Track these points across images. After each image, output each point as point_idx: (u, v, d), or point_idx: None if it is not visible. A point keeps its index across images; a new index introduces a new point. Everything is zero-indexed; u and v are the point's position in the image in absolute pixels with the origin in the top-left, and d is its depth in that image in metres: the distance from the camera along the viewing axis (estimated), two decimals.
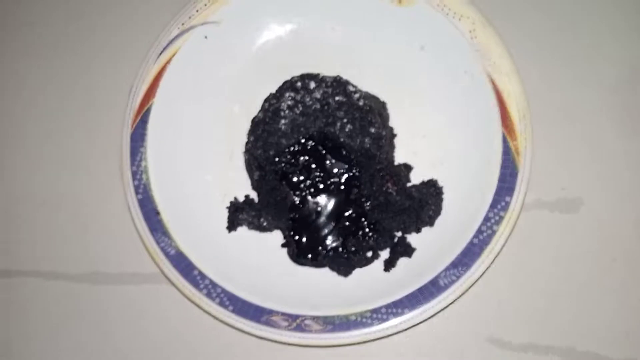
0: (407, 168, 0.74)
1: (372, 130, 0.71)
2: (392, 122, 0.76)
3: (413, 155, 0.75)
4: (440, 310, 0.66)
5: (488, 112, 0.71)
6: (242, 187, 0.76)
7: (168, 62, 0.75)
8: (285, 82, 0.74)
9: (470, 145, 0.72)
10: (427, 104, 0.76)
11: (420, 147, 0.75)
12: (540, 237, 0.73)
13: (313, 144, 0.72)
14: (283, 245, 0.74)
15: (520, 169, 0.67)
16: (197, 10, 0.76)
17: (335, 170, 0.72)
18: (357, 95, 0.73)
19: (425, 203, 0.70)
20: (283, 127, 0.72)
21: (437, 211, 0.71)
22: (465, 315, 0.72)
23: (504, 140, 0.69)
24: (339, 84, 0.73)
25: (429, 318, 0.66)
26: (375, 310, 0.67)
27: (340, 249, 0.72)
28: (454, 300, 0.66)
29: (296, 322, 0.67)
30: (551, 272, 0.72)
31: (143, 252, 0.73)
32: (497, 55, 0.70)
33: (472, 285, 0.67)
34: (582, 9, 0.79)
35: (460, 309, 0.71)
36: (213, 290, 0.69)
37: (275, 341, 0.68)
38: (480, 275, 0.66)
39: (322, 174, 0.72)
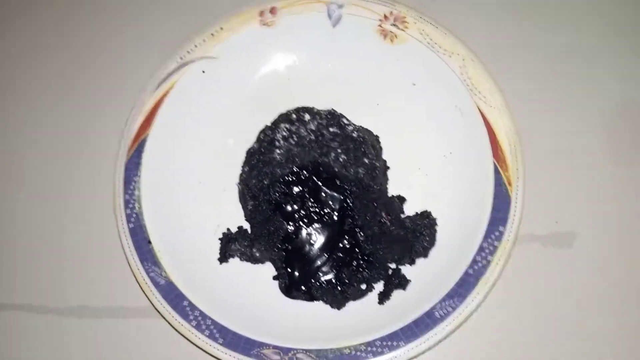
0: (401, 200, 0.74)
1: (366, 160, 0.72)
2: (386, 155, 0.77)
3: (407, 187, 0.75)
4: (436, 344, 0.65)
5: (479, 145, 0.72)
6: (236, 219, 0.75)
7: (166, 94, 0.77)
8: (280, 115, 0.75)
9: (463, 177, 0.73)
10: (420, 137, 0.77)
11: (414, 180, 0.75)
12: (534, 272, 0.72)
13: (307, 174, 0.72)
14: (275, 278, 0.73)
15: (512, 199, 0.68)
16: (195, 46, 0.78)
17: (329, 201, 0.72)
18: (350, 128, 0.74)
19: (419, 233, 0.70)
20: (278, 157, 0.72)
21: (431, 242, 0.70)
22: (460, 352, 0.70)
23: (496, 171, 0.69)
24: (333, 117, 0.74)
25: (425, 351, 0.65)
26: (369, 344, 0.65)
27: (334, 281, 0.71)
28: (450, 333, 0.65)
29: (288, 356, 0.65)
30: (546, 308, 0.71)
31: (133, 285, 0.72)
32: (487, 90, 0.72)
33: (468, 317, 0.65)
34: (571, 44, 0.81)
35: (455, 346, 0.69)
36: (203, 322, 0.67)
37: None
38: (476, 307, 0.65)
39: (316, 205, 0.72)
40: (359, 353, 0.65)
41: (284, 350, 0.66)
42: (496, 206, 0.68)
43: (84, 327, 0.74)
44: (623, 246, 0.72)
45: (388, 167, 0.76)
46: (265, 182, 0.72)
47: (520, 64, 0.80)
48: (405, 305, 0.68)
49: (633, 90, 0.79)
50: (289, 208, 0.73)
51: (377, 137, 0.78)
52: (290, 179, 0.72)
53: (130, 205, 0.72)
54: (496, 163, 0.70)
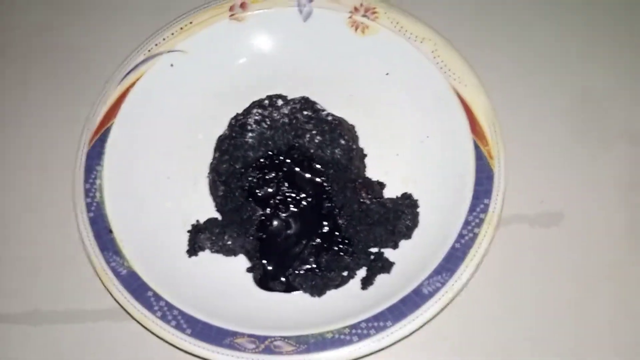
0: (381, 185, 0.71)
1: (342, 142, 0.69)
2: (362, 144, 0.74)
3: (384, 174, 0.72)
4: (425, 322, 0.59)
5: (457, 124, 0.70)
6: (206, 213, 0.71)
7: (132, 85, 0.74)
8: (253, 102, 0.73)
9: (442, 159, 0.71)
10: (396, 124, 0.75)
11: (392, 166, 0.72)
12: (522, 252, 0.69)
13: (281, 157, 0.69)
14: (249, 270, 0.67)
15: (495, 171, 0.65)
16: (164, 39, 0.76)
17: (305, 185, 0.69)
18: (324, 112, 0.72)
19: (401, 212, 0.66)
20: (250, 140, 0.69)
21: (414, 221, 0.67)
22: (448, 334, 0.64)
23: (476, 146, 0.68)
24: (307, 102, 0.72)
25: (415, 331, 0.59)
26: (354, 326, 0.59)
27: (313, 269, 0.66)
28: (440, 311, 0.60)
29: (264, 344, 0.59)
30: (535, 288, 0.67)
31: (94, 283, 0.65)
32: (461, 70, 0.72)
33: (458, 293, 0.61)
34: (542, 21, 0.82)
35: (443, 328, 0.64)
36: (169, 313, 0.61)
37: None
38: (466, 282, 0.61)
39: (291, 189, 0.69)
40: (342, 336, 0.59)
41: (260, 338, 0.59)
42: (479, 180, 0.66)
43: (41, 335, 0.66)
44: (610, 222, 0.70)
45: (365, 155, 0.74)
46: (237, 167, 0.69)
47: (492, 47, 0.81)
48: (391, 286, 0.63)
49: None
50: (262, 193, 0.69)
51: (352, 125, 0.75)
52: (264, 163, 0.69)
53: (91, 194, 0.67)
54: (475, 139, 0.68)
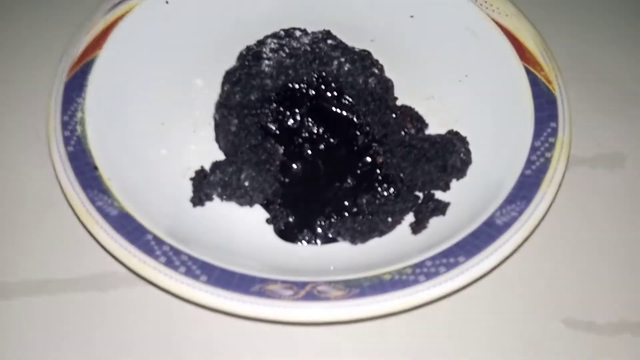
0: (422, 122, 0.60)
1: (375, 70, 0.59)
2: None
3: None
4: (504, 258, 0.47)
5: (502, 54, 0.62)
6: (209, 163, 0.58)
7: (120, 17, 0.62)
8: (265, 36, 0.62)
9: (488, 93, 0.62)
10: (427, 67, 0.66)
11: (428, 110, 0.62)
12: (587, 194, 0.59)
13: (306, 88, 0.58)
14: (270, 221, 0.54)
15: (557, 94, 0.57)
16: None
17: (334, 119, 0.58)
18: (350, 45, 0.62)
19: (452, 146, 0.56)
20: (267, 68, 0.58)
21: (469, 156, 0.56)
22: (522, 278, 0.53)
23: (528, 73, 0.59)
24: (330, 34, 0.62)
25: (493, 269, 0.47)
26: (418, 265, 0.47)
27: (353, 213, 0.54)
28: (521, 244, 0.48)
29: (305, 290, 0.45)
30: (602, 230, 0.57)
31: (76, 241, 0.51)
32: (498, 2, 0.64)
33: (538, 224, 0.49)
34: None
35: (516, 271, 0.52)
36: (176, 258, 0.46)
37: (275, 321, 0.44)
38: (546, 212, 0.50)
39: (318, 125, 0.57)
40: (405, 277, 0.46)
41: (299, 284, 0.45)
42: (539, 106, 0.57)
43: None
44: None
45: (396, 98, 0.64)
46: (253, 98, 0.57)
47: None
48: (449, 227, 0.51)
49: None
50: (283, 130, 0.57)
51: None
52: (285, 95, 0.58)
53: (70, 127, 0.54)
54: (527, 66, 0.60)
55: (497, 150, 0.57)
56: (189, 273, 0.45)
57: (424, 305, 0.45)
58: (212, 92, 0.63)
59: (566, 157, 0.53)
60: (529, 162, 0.53)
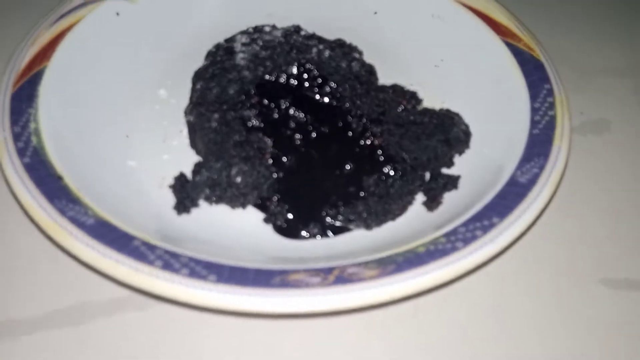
0: (416, 99, 0.57)
1: (356, 55, 0.56)
2: None
3: None
4: (539, 215, 0.44)
5: (476, 34, 0.61)
6: (185, 168, 0.51)
7: (68, 29, 0.56)
8: (235, 34, 0.58)
9: (469, 72, 0.60)
10: (401, 59, 0.64)
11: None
12: (589, 157, 0.58)
13: (286, 77, 0.54)
14: (268, 220, 0.48)
15: (543, 60, 0.56)
16: None
17: (322, 106, 0.53)
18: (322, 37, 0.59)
19: (450, 119, 0.53)
20: (242, 61, 0.54)
21: (468, 128, 0.53)
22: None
23: (508, 44, 0.58)
24: (299, 28, 0.59)
25: (529, 227, 0.43)
26: (451, 233, 0.42)
27: (362, 197, 0.48)
28: (550, 199, 0.45)
29: (334, 275, 0.39)
30: (616, 190, 0.55)
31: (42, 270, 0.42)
32: None
33: (562, 176, 0.46)
34: None
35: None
36: (175, 261, 0.39)
37: (305, 315, 0.37)
38: (566, 163, 0.47)
39: (305, 113, 0.53)
40: (440, 246, 0.40)
41: (325, 270, 0.39)
42: (527, 72, 0.55)
43: None
44: None
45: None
46: (231, 92, 0.52)
47: None
48: (466, 196, 0.47)
49: None
50: (269, 121, 0.52)
51: None
52: (266, 87, 0.53)
53: (24, 139, 0.46)
54: (505, 39, 0.59)
55: (494, 120, 0.54)
56: (193, 274, 0.38)
57: (466, 274, 0.40)
58: (178, 100, 0.58)
59: (568, 113, 0.51)
60: (533, 122, 0.50)
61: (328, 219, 0.47)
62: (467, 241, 0.41)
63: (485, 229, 0.41)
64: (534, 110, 0.52)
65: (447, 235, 0.41)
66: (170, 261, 0.38)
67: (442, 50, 0.63)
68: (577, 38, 0.71)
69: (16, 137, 0.45)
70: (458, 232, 0.42)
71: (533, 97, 0.53)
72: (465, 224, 0.42)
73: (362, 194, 0.49)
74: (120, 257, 0.38)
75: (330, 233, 0.47)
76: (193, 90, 0.53)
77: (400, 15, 0.66)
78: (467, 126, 0.53)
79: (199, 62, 0.59)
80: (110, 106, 0.55)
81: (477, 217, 0.43)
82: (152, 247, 0.39)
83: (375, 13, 0.68)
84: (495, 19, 0.61)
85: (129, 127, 0.55)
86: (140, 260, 0.38)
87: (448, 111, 0.55)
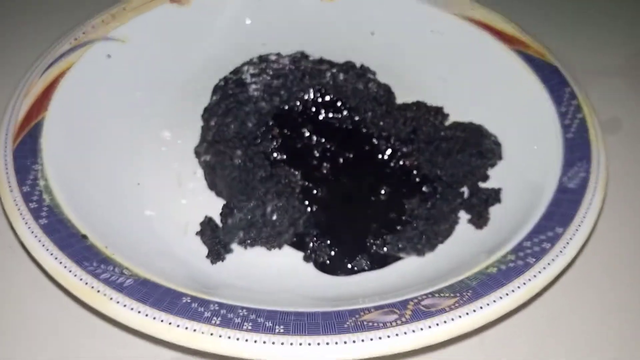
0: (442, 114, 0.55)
1: (371, 76, 0.54)
2: None
3: None
4: (597, 217, 0.42)
5: (483, 45, 0.60)
6: (208, 212, 0.48)
7: (60, 75, 0.52)
8: (240, 65, 0.55)
9: (481, 85, 0.59)
10: (407, 77, 0.62)
11: None
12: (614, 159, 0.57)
13: (304, 105, 0.51)
14: (308, 258, 0.44)
15: (556, 63, 0.55)
16: (92, 27, 0.57)
17: (346, 131, 0.51)
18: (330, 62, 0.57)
19: (478, 131, 0.51)
20: (256, 92, 0.51)
21: (497, 140, 0.52)
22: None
23: (518, 52, 0.57)
24: (305, 54, 0.57)
25: (593, 230, 0.41)
26: (517, 249, 0.39)
27: (405, 223, 0.46)
28: (604, 202, 0.43)
29: (409, 309, 0.35)
30: None
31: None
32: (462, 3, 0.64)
33: (608, 176, 0.45)
34: None
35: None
36: (232, 314, 0.35)
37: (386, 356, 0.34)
38: (607, 164, 0.46)
39: (329, 140, 0.50)
40: (512, 264, 0.38)
41: (398, 306, 0.36)
42: (545, 77, 0.54)
43: None
44: None
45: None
46: (250, 125, 0.49)
47: None
48: (511, 208, 0.46)
49: None
50: (293, 152, 0.49)
51: None
52: (284, 117, 0.50)
53: (35, 198, 0.41)
54: (513, 47, 0.58)
55: (519, 129, 0.53)
56: (257, 328, 0.34)
57: (547, 287, 0.38)
58: (185, 141, 0.54)
59: (595, 113, 0.50)
60: (565, 127, 0.49)
61: (374, 249, 0.44)
62: (537, 255, 0.38)
63: (552, 241, 0.39)
64: (561, 115, 0.51)
65: (514, 251, 0.39)
66: (228, 316, 0.34)
67: (447, 64, 0.62)
68: (575, 38, 0.71)
69: (27, 198, 0.41)
70: (524, 247, 0.39)
71: (557, 101, 0.52)
72: (529, 237, 0.40)
73: (404, 218, 0.46)
74: (172, 319, 0.34)
75: (379, 264, 0.44)
76: (206, 128, 0.50)
77: (398, 34, 0.65)
78: (495, 137, 0.51)
79: (199, 99, 0.56)
80: (115, 154, 0.51)
81: (539, 229, 0.41)
82: (204, 302, 0.35)
83: (373, 34, 0.66)
84: (499, 29, 0.60)
85: (139, 174, 0.51)
86: (195, 319, 0.34)
87: (471, 123, 0.53)
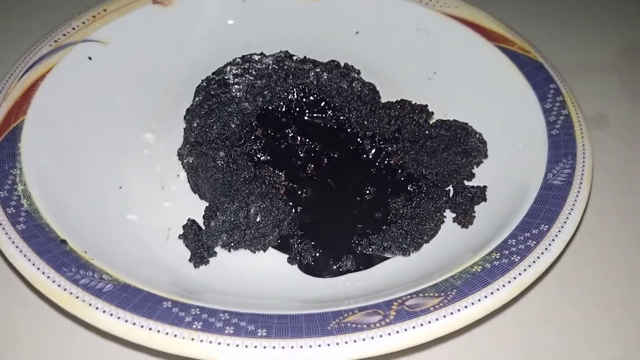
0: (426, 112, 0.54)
1: (355, 75, 0.54)
2: None
3: None
4: (581, 217, 0.42)
5: (468, 42, 0.60)
6: (191, 215, 0.47)
7: (40, 78, 0.52)
8: (223, 65, 0.55)
9: (468, 82, 0.59)
10: (392, 75, 0.62)
11: None
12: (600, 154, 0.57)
13: (287, 105, 0.51)
14: (292, 260, 0.44)
15: (541, 59, 0.55)
16: (73, 28, 0.57)
17: (330, 131, 0.50)
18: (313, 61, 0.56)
19: (463, 130, 0.51)
20: (239, 93, 0.50)
21: (482, 137, 0.51)
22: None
23: (503, 49, 0.57)
24: (289, 53, 0.56)
25: (578, 227, 0.41)
26: (501, 247, 0.39)
27: (391, 223, 0.45)
28: (589, 196, 0.43)
29: (393, 310, 0.35)
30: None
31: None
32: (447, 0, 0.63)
33: (592, 172, 0.45)
34: None
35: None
36: (214, 319, 0.34)
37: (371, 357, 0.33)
38: (592, 161, 0.46)
39: (313, 141, 0.49)
40: (496, 262, 0.38)
41: (381, 306, 0.35)
42: (529, 73, 0.54)
43: None
44: None
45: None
46: (233, 125, 0.48)
47: None
48: (496, 207, 0.45)
49: None
50: (276, 153, 0.48)
51: None
52: (267, 118, 0.50)
53: (13, 203, 0.40)
54: (498, 44, 0.58)
55: (503, 126, 0.53)
56: (239, 332, 0.33)
57: (534, 284, 0.37)
58: (167, 143, 0.54)
59: (580, 109, 0.50)
60: (550, 124, 0.49)
61: (360, 250, 0.44)
62: (522, 253, 0.38)
63: (537, 238, 0.39)
64: (546, 111, 0.50)
65: (499, 250, 0.39)
66: (210, 320, 0.34)
67: (433, 63, 0.62)
68: (563, 35, 0.71)
69: (4, 203, 0.40)
70: (509, 245, 0.39)
71: (541, 98, 0.52)
72: (513, 235, 0.40)
73: (389, 217, 0.45)
74: (153, 324, 0.33)
75: (364, 265, 0.43)
76: (188, 129, 0.49)
77: (383, 33, 0.65)
78: (480, 135, 0.51)
79: (181, 101, 0.55)
80: (97, 158, 0.51)
81: (524, 227, 0.40)
82: (185, 307, 0.35)
83: (357, 33, 0.66)
84: (484, 26, 0.60)
85: (121, 177, 0.50)
86: (175, 324, 0.33)
87: (456, 121, 0.53)
